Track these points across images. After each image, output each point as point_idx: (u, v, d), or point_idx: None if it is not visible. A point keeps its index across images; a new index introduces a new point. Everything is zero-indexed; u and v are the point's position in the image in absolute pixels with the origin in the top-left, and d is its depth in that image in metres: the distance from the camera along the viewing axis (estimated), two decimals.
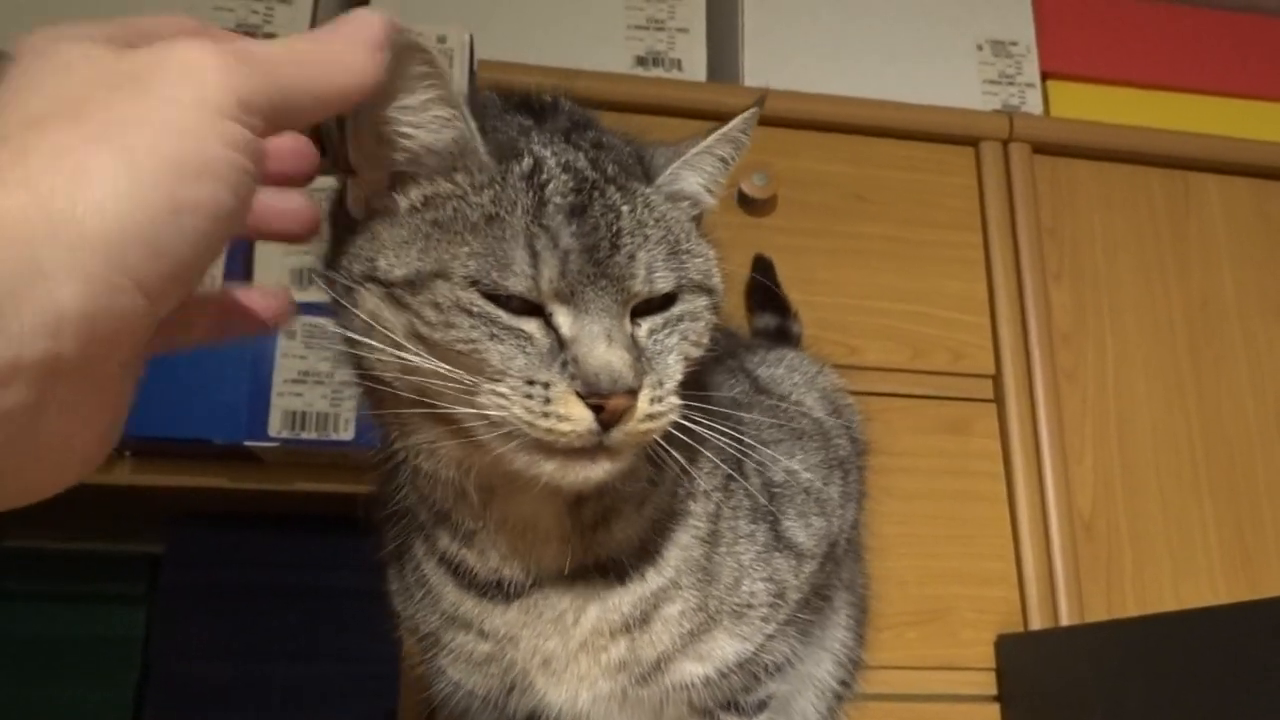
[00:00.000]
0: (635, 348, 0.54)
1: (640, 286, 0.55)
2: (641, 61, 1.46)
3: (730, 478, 0.66)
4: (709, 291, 0.59)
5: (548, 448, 0.53)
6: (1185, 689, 0.89)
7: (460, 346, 0.52)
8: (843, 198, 1.40)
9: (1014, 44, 1.58)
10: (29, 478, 0.38)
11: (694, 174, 0.62)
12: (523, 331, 0.52)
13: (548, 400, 0.51)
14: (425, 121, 0.54)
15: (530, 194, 0.54)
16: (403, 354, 0.53)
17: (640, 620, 0.64)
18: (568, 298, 0.53)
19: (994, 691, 1.22)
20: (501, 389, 0.52)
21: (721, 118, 0.63)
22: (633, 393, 0.52)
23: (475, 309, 0.52)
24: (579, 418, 0.51)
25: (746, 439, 0.62)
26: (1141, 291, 1.45)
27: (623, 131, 0.63)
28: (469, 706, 0.71)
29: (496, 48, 1.35)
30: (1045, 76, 1.59)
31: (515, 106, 0.61)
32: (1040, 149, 1.46)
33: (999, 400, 1.34)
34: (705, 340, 0.59)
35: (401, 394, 0.56)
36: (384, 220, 0.55)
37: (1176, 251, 1.48)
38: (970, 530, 1.29)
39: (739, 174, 1.31)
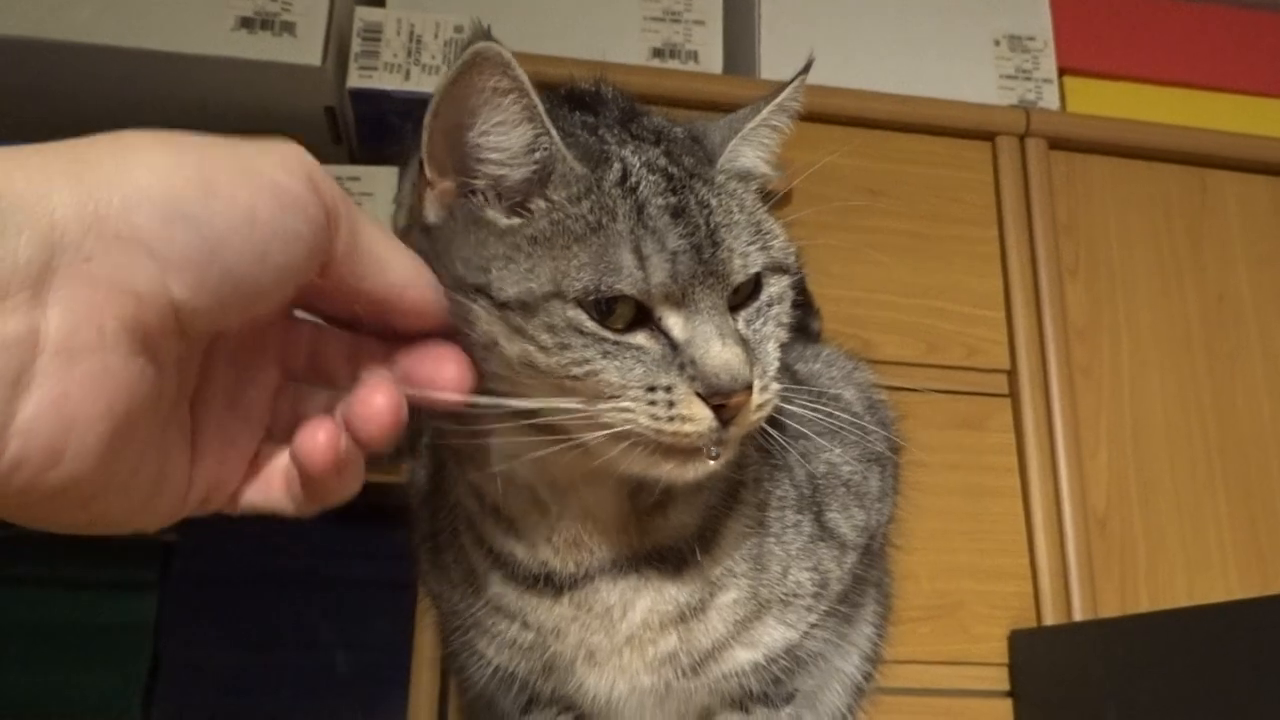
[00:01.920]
0: (743, 341, 0.54)
1: (738, 278, 0.55)
2: (658, 53, 1.46)
3: (776, 467, 0.66)
4: (787, 270, 0.59)
5: (668, 449, 0.53)
6: (1198, 684, 0.89)
7: (575, 370, 0.51)
8: (858, 192, 1.39)
9: (1031, 39, 1.58)
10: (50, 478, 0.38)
11: (752, 149, 0.61)
12: (634, 345, 0.52)
13: (671, 404, 0.51)
14: (511, 142, 0.53)
15: (627, 199, 0.53)
16: (528, 399, 0.52)
17: (697, 608, 0.64)
18: (678, 300, 0.52)
19: (1007, 687, 1.22)
20: (624, 403, 0.51)
21: (738, 110, 0.62)
22: (749, 387, 0.52)
23: (586, 329, 0.51)
24: (702, 417, 0.51)
25: (790, 429, 0.61)
26: (1157, 288, 1.44)
27: (663, 113, 0.63)
28: (499, 688, 0.71)
29: (512, 39, 1.33)
30: (1062, 72, 1.58)
31: (566, 101, 0.60)
32: (1057, 144, 1.46)
33: (1014, 395, 1.34)
34: (789, 321, 0.59)
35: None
36: (477, 229, 0.54)
37: (1192, 248, 1.47)
38: (984, 525, 1.28)
39: None
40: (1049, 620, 1.24)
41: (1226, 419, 1.40)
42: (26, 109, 1.32)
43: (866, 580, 0.77)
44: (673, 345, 0.52)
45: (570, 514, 0.61)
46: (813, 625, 0.68)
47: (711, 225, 0.54)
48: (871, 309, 1.34)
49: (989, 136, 1.44)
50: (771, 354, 0.57)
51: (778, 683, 0.69)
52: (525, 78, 0.51)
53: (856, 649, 0.80)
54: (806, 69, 0.63)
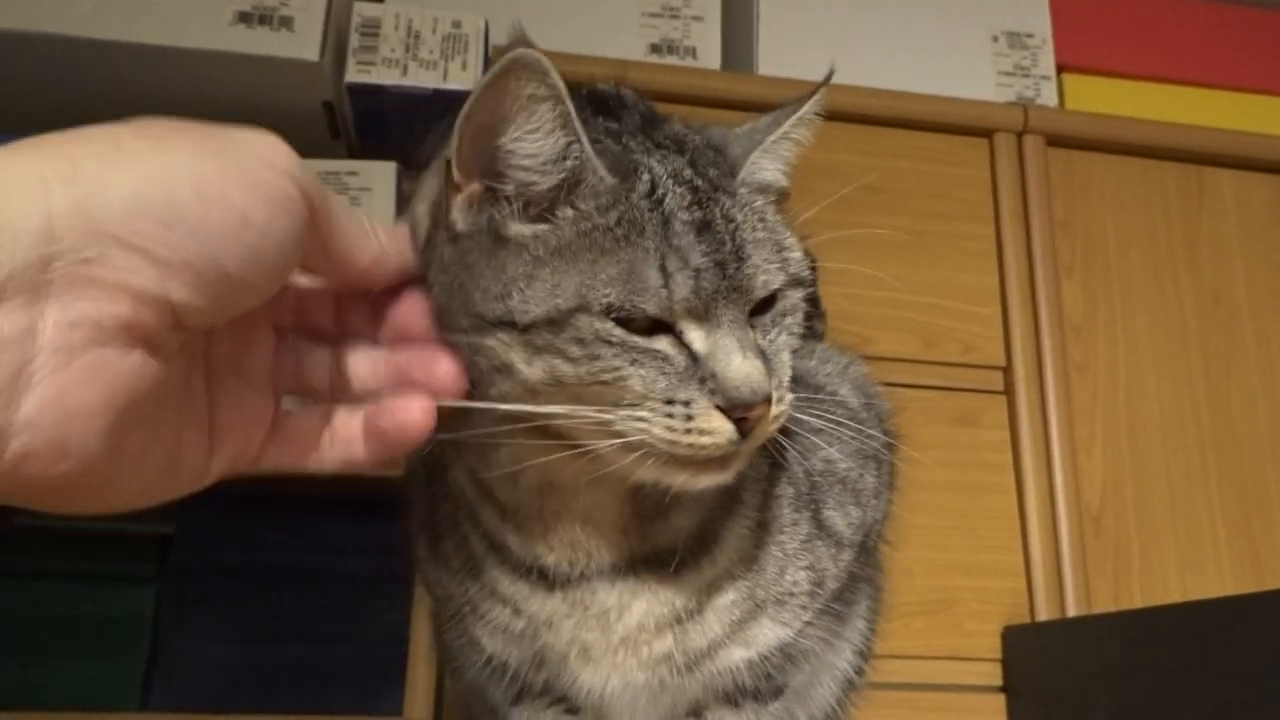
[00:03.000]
0: (762, 354, 0.54)
1: (760, 293, 0.55)
2: (656, 49, 1.46)
3: (775, 466, 0.66)
4: (802, 283, 0.58)
5: (682, 461, 0.53)
6: (1190, 680, 0.90)
7: (606, 377, 0.51)
8: (856, 188, 1.39)
9: (1029, 36, 1.58)
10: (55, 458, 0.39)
11: (772, 161, 0.61)
12: (659, 352, 0.52)
13: (689, 418, 0.51)
14: (544, 149, 0.52)
15: (655, 212, 0.52)
16: (538, 406, 0.52)
17: (694, 610, 0.64)
18: (700, 314, 0.52)
19: (1000, 682, 1.22)
20: (641, 413, 0.51)
21: (736, 106, 0.62)
22: (769, 400, 0.53)
23: (614, 338, 0.51)
24: (721, 430, 0.52)
25: (789, 427, 0.62)
26: (1153, 286, 1.45)
27: (680, 118, 0.62)
28: (490, 678, 0.71)
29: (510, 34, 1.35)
30: (1060, 69, 1.59)
31: (589, 103, 0.59)
32: (1054, 142, 1.46)
33: (1009, 392, 1.34)
34: (801, 331, 0.59)
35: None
36: (499, 249, 0.54)
37: (1189, 246, 1.48)
38: (978, 521, 1.29)
39: None
40: (1042, 617, 1.25)
41: (1221, 417, 1.40)
42: (24, 103, 1.32)
43: (860, 577, 0.78)
44: (694, 357, 0.52)
45: (570, 516, 0.61)
46: (807, 623, 0.68)
47: (738, 242, 0.53)
48: (868, 305, 1.34)
49: (987, 133, 1.44)
50: (786, 364, 0.57)
51: (769, 678, 0.69)
52: (562, 85, 0.51)
53: (849, 644, 0.80)
54: (828, 80, 0.63)
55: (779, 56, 1.46)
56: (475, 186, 0.54)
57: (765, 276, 0.54)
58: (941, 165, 1.42)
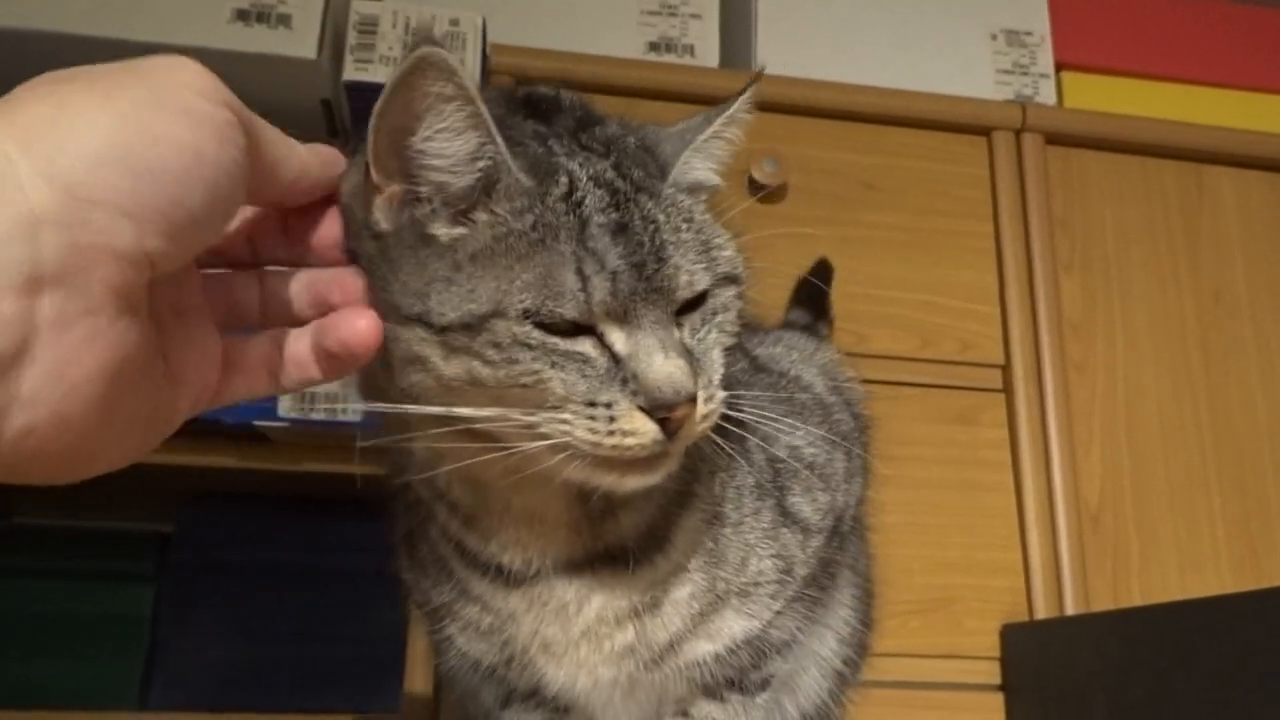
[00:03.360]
0: (687, 353, 0.54)
1: (684, 293, 0.54)
2: (654, 47, 1.46)
3: (733, 456, 0.66)
4: (735, 280, 0.58)
5: (609, 462, 0.53)
6: (1189, 678, 0.89)
7: (525, 380, 0.51)
8: (853, 186, 1.39)
9: (1028, 34, 1.57)
10: (46, 433, 0.39)
11: (704, 160, 0.61)
12: (580, 354, 0.52)
13: (612, 419, 0.51)
14: (455, 149, 0.52)
15: (570, 215, 0.52)
16: (456, 407, 0.52)
17: (650, 605, 0.64)
18: (620, 316, 0.52)
19: (998, 680, 1.22)
20: (564, 415, 0.51)
21: (690, 119, 0.62)
22: (694, 399, 0.52)
23: (533, 341, 0.51)
24: (644, 431, 0.52)
25: (749, 416, 0.61)
26: (1152, 284, 1.44)
27: (619, 118, 0.62)
28: (474, 678, 0.72)
29: (509, 32, 1.35)
30: (1059, 67, 1.58)
31: (521, 107, 0.59)
32: (1053, 140, 1.45)
33: (1008, 390, 1.34)
34: (736, 328, 0.59)
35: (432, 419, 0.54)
36: (421, 246, 0.53)
37: (1188, 244, 1.47)
38: (977, 520, 1.29)
39: (749, 160, 1.30)
40: (1041, 615, 1.24)
41: (1220, 415, 1.40)
42: None
43: (838, 563, 0.77)
44: (615, 358, 0.52)
45: (514, 515, 0.61)
46: (777, 613, 0.68)
47: (657, 243, 0.53)
48: (866, 303, 1.33)
49: (985, 131, 1.44)
50: (716, 361, 0.56)
51: (751, 669, 0.69)
52: (470, 84, 0.51)
53: (832, 631, 0.80)
54: (758, 77, 0.63)
55: (777, 55, 1.46)
56: (395, 187, 0.54)
57: (688, 276, 0.54)
58: (940, 163, 1.42)
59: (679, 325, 0.55)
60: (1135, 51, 1.61)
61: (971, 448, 1.31)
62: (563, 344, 0.51)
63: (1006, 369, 1.35)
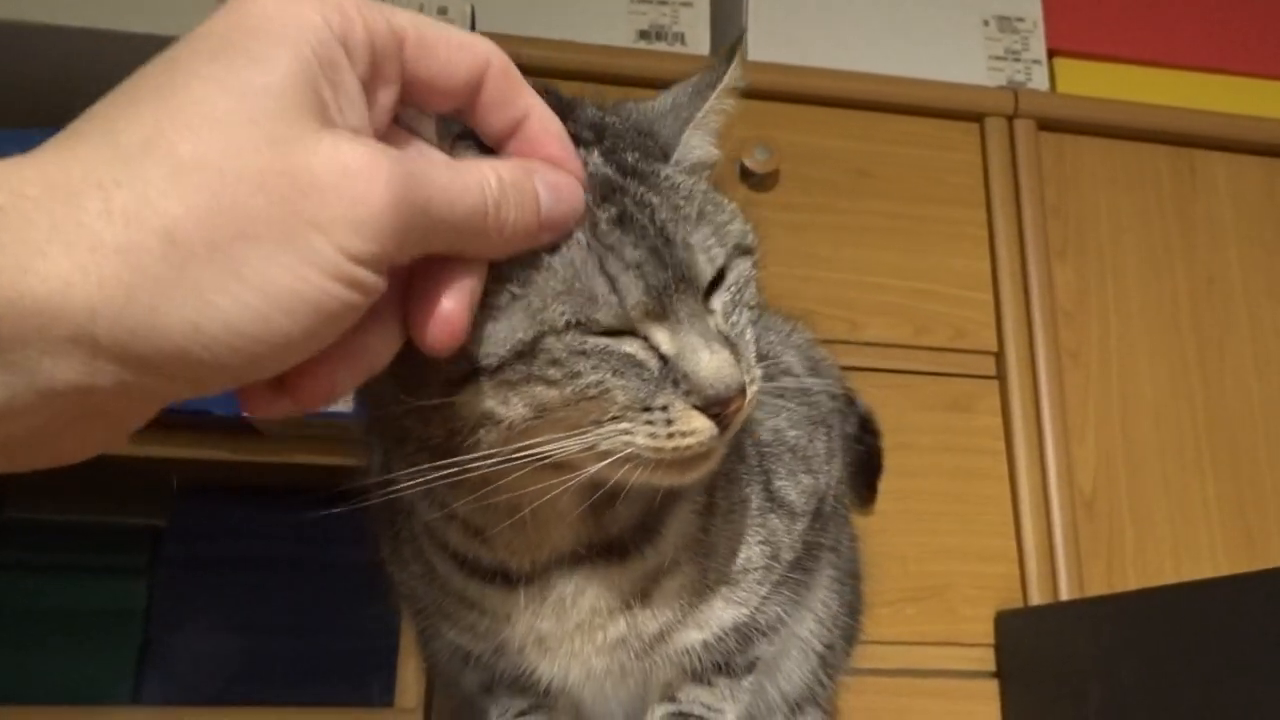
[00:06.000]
0: (729, 342, 0.53)
1: (707, 276, 0.53)
2: (644, 35, 1.45)
3: None
4: (749, 251, 0.57)
5: (668, 462, 0.52)
6: (1184, 662, 0.89)
7: (591, 391, 0.49)
8: (846, 173, 1.39)
9: (1020, 20, 1.57)
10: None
11: (703, 136, 0.59)
12: (631, 356, 0.50)
13: (669, 422, 0.50)
14: None
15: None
16: (531, 447, 0.50)
17: (641, 596, 0.63)
18: (658, 314, 0.51)
19: (992, 667, 1.22)
20: (623, 425, 0.50)
21: (672, 92, 0.61)
22: (744, 390, 0.52)
23: (588, 347, 0.49)
24: (702, 429, 0.51)
25: None
26: (1146, 270, 1.44)
27: (612, 105, 0.60)
28: (456, 664, 0.72)
29: (498, 20, 1.35)
30: (1052, 53, 1.57)
31: None
32: (1046, 126, 1.45)
33: (1001, 378, 1.34)
34: (756, 300, 0.57)
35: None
36: None
37: (1182, 230, 1.47)
38: (971, 507, 1.28)
39: (740, 148, 1.30)
40: (1035, 601, 1.24)
41: (1215, 401, 1.40)
42: (11, 95, 1.31)
43: (820, 545, 0.77)
44: (663, 358, 0.51)
45: (537, 523, 0.60)
46: (764, 598, 0.68)
47: (658, 224, 0.51)
48: (858, 290, 1.33)
49: (977, 118, 1.43)
50: (749, 340, 0.55)
51: (738, 653, 0.69)
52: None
53: (811, 613, 0.79)
54: (740, 39, 0.61)
55: (768, 42, 1.46)
56: None
57: (706, 255, 0.53)
58: (932, 150, 1.42)
59: (710, 311, 0.54)
60: (1128, 37, 1.61)
61: (965, 435, 1.31)
62: (613, 345, 0.50)
63: (1000, 356, 1.35)
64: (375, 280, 0.39)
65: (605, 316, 0.49)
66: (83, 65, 1.28)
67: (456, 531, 0.63)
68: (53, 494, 1.38)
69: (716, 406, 0.51)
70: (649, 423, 0.50)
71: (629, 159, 0.54)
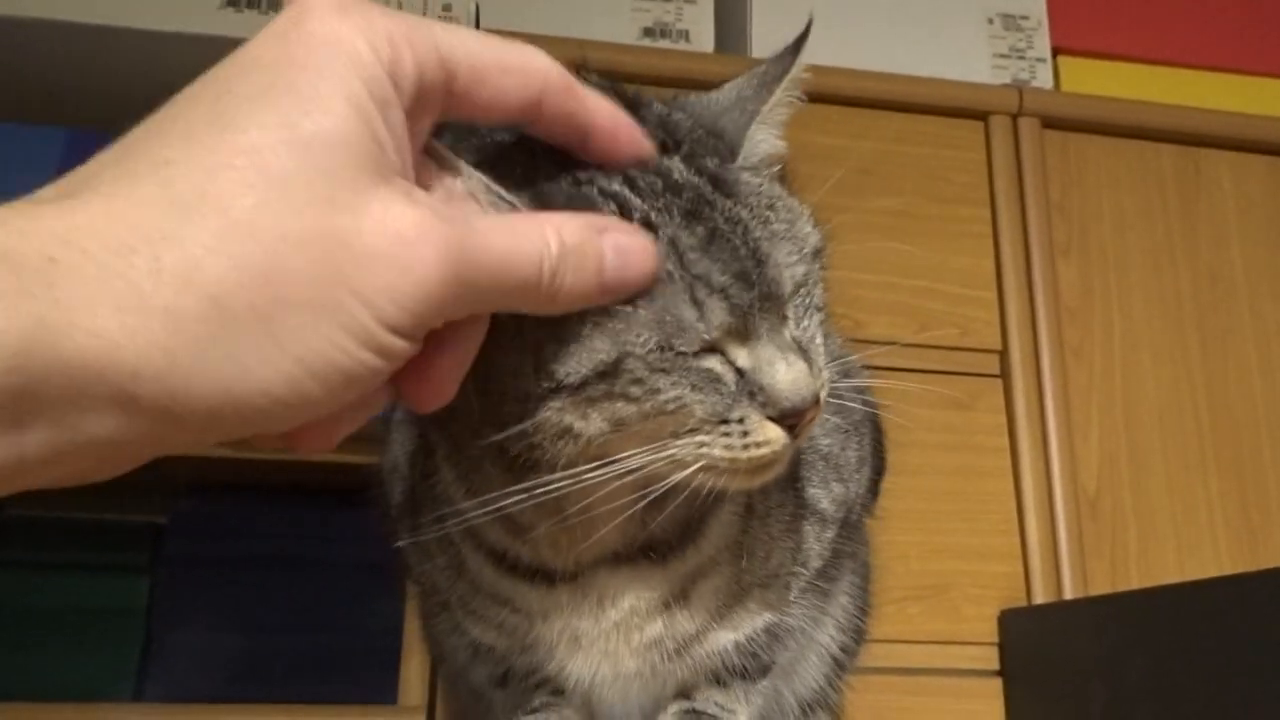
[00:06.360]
0: (803, 352, 0.52)
1: (789, 292, 0.52)
2: (649, 33, 1.45)
3: None
4: (819, 253, 0.55)
5: (741, 469, 0.52)
6: (1188, 660, 0.89)
7: (670, 406, 0.49)
8: (850, 171, 1.37)
9: (1025, 18, 1.57)
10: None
11: (769, 130, 0.58)
12: (710, 371, 0.50)
13: (745, 433, 0.50)
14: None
15: (661, 232, 0.48)
16: (607, 461, 0.50)
17: (681, 596, 0.63)
18: (741, 334, 0.50)
19: (996, 666, 1.22)
20: (700, 437, 0.50)
21: (735, 85, 0.60)
22: (818, 399, 0.51)
23: (667, 364, 0.49)
24: (776, 439, 0.50)
25: None
26: (1150, 268, 1.44)
27: (672, 100, 0.59)
28: (467, 655, 0.71)
29: (501, 17, 1.35)
30: (1056, 51, 1.58)
31: None
32: (1050, 124, 1.45)
33: (1005, 376, 1.34)
34: (823, 298, 0.56)
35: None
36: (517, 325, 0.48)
37: (1186, 228, 1.47)
38: (974, 505, 1.28)
39: None
40: (1039, 600, 1.24)
41: (1218, 399, 1.40)
42: (9, 89, 1.31)
43: (844, 553, 0.77)
44: (739, 371, 0.50)
45: (590, 525, 0.59)
46: (793, 602, 0.68)
47: (751, 244, 0.50)
48: (862, 288, 1.33)
49: (982, 116, 1.43)
50: (821, 348, 0.54)
51: (756, 657, 0.69)
52: None
53: (832, 619, 0.79)
54: (807, 30, 0.61)
55: (773, 40, 1.45)
56: None
57: (791, 272, 0.52)
58: (936, 148, 1.41)
59: (785, 319, 0.53)
60: (1132, 35, 1.61)
61: (969, 433, 1.31)
62: (694, 362, 0.49)
63: (1004, 354, 1.35)
64: (408, 348, 0.38)
65: (691, 345, 0.49)
66: (83, 61, 1.28)
67: (497, 529, 0.62)
68: (54, 492, 1.38)
69: (792, 418, 0.50)
70: (725, 434, 0.50)
71: (710, 165, 0.52)
